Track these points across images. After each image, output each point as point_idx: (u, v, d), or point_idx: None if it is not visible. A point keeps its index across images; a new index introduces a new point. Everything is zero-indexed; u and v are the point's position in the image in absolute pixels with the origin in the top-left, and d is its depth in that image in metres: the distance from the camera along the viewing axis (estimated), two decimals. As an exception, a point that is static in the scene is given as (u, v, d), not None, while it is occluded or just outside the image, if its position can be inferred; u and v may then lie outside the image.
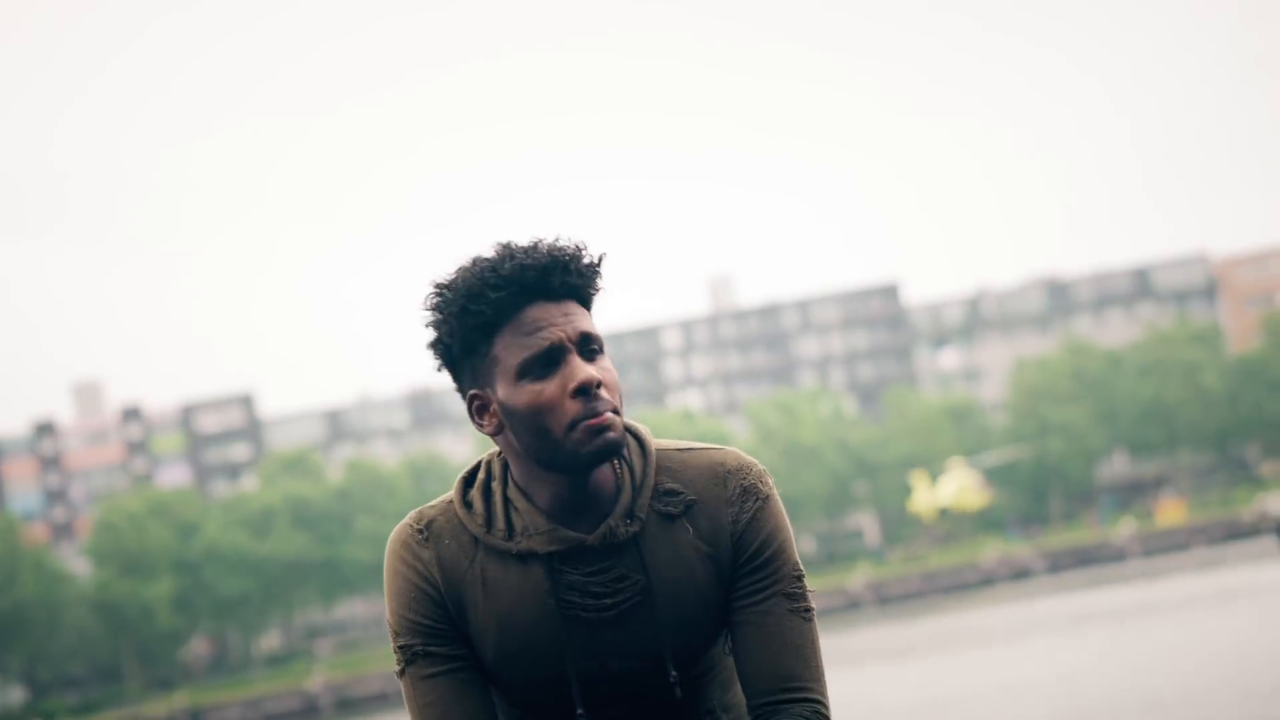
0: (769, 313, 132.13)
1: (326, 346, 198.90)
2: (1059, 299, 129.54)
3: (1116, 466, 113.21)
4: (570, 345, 2.89)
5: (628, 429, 3.07)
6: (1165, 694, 20.66)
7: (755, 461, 3.08)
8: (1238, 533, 78.65)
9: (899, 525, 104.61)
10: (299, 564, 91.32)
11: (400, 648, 3.02)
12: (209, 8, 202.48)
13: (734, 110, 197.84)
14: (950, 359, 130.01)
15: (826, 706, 3.03)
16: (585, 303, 2.95)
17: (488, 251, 2.94)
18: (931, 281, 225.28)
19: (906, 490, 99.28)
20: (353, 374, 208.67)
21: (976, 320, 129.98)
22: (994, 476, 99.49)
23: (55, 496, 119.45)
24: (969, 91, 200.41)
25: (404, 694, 3.04)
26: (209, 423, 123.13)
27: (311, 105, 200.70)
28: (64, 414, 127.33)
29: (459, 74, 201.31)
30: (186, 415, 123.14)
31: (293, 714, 71.77)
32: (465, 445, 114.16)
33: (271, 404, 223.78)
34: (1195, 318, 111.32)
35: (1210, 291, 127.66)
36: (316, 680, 74.90)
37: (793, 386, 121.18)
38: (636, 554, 3.00)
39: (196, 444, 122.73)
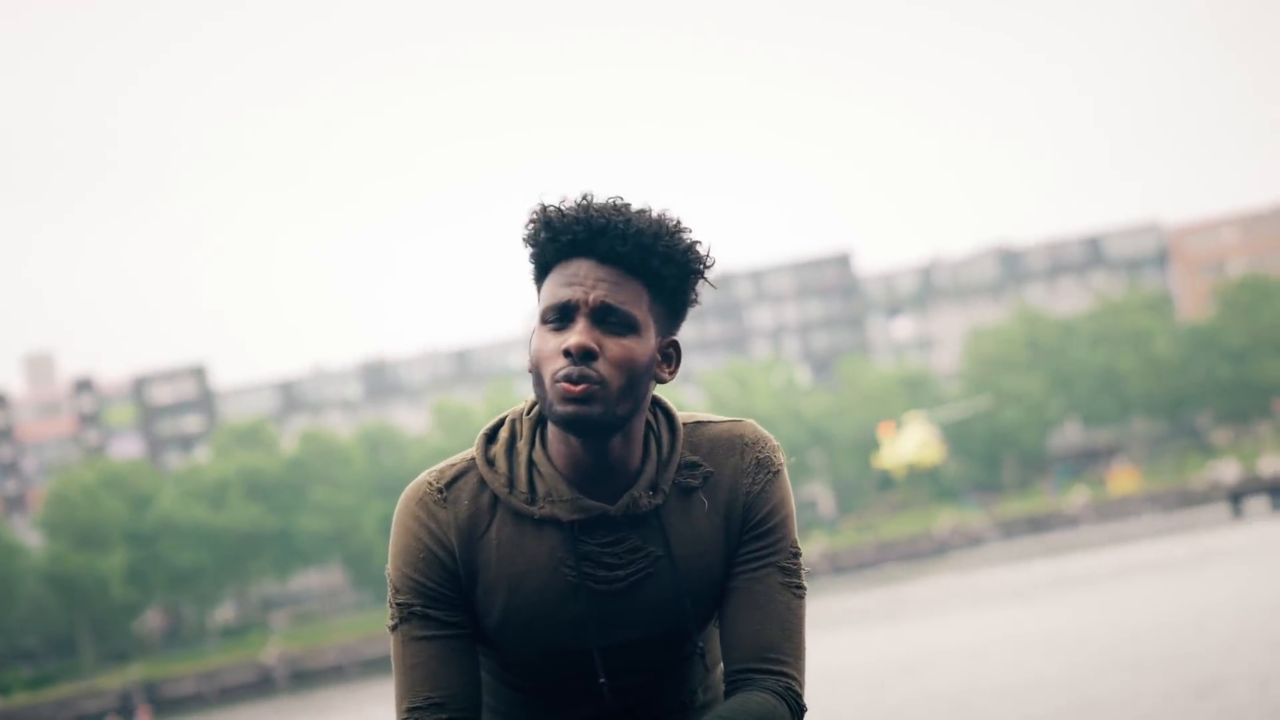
0: (722, 282, 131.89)
1: (279, 317, 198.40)
2: (1011, 268, 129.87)
3: (1069, 435, 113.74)
4: (585, 308, 2.88)
5: (657, 404, 3.07)
6: (1123, 659, 20.77)
7: (771, 436, 3.09)
8: (1190, 501, 79.16)
9: (853, 495, 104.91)
10: (253, 536, 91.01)
11: (398, 604, 3.00)
12: (265, 10, 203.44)
13: (691, 105, 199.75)
14: (904, 328, 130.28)
15: (800, 685, 3.02)
16: (646, 278, 2.92)
17: (574, 195, 2.94)
18: (884, 251, 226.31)
19: (860, 458, 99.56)
20: (306, 345, 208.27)
21: (929, 289, 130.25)
22: (948, 438, 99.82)
23: (7, 469, 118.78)
24: (913, 74, 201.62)
25: (392, 650, 3.02)
26: (162, 394, 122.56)
27: (329, 114, 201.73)
28: (15, 385, 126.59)
29: (448, 96, 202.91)
30: (139, 387, 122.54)
31: (248, 686, 71.60)
32: (420, 416, 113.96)
33: (224, 375, 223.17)
34: (1147, 286, 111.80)
35: (1162, 260, 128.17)
36: (272, 653, 74.73)
37: (746, 356, 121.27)
38: (657, 526, 2.99)
39: (149, 415, 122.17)
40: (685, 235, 2.93)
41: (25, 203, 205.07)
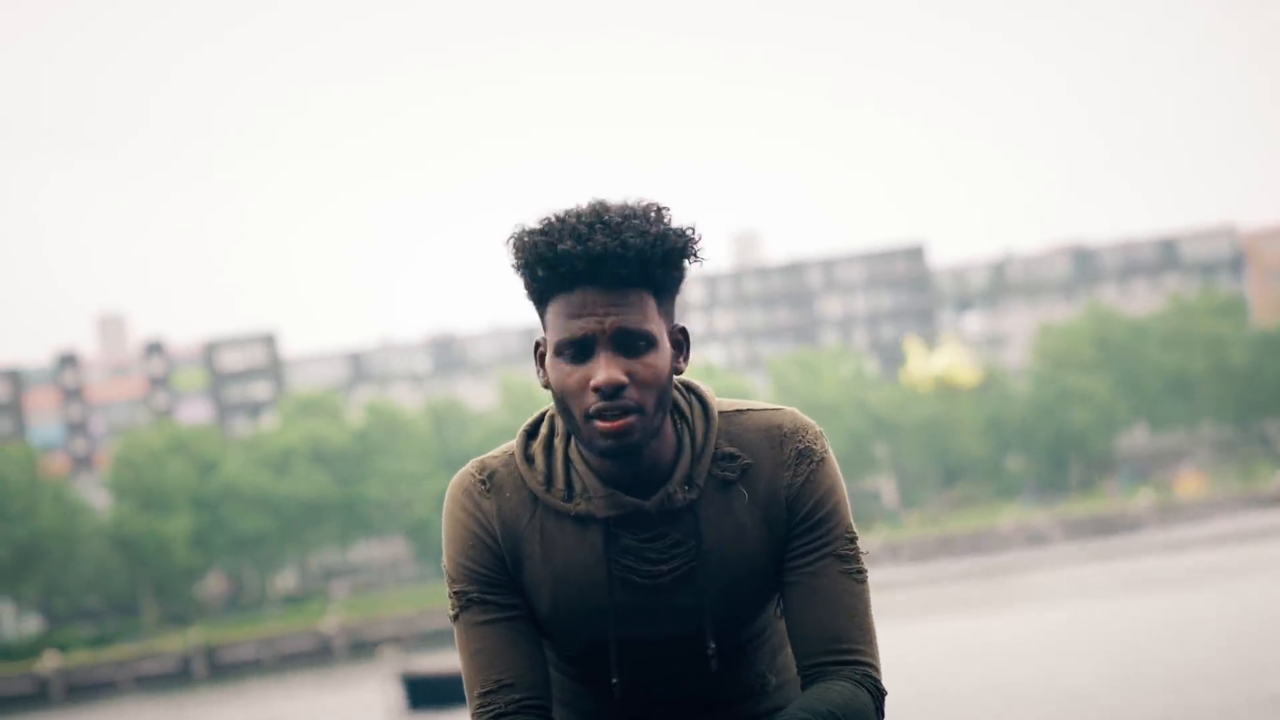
0: (793, 270, 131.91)
1: (350, 289, 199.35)
2: (1084, 266, 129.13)
3: (1137, 437, 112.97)
4: (604, 340, 2.83)
5: (690, 389, 3.04)
6: (1175, 667, 20.64)
7: (812, 423, 3.03)
8: (1257, 506, 78.55)
9: (917, 488, 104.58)
10: (317, 504, 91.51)
11: (456, 593, 3.00)
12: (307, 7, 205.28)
13: (746, 117, 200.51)
14: (974, 323, 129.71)
15: (877, 669, 2.99)
16: (650, 287, 2.86)
17: (565, 210, 2.86)
18: (957, 245, 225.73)
19: (926, 451, 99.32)
20: (376, 317, 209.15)
21: (1001, 285, 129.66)
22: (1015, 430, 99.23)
23: (76, 428, 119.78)
24: (994, 70, 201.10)
25: (456, 639, 3.03)
26: (231, 360, 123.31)
27: (379, 103, 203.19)
28: (87, 346, 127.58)
29: (510, 89, 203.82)
30: (209, 352, 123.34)
31: (306, 654, 72.03)
32: (486, 392, 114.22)
33: (294, 344, 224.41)
34: (1221, 290, 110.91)
35: (1237, 264, 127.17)
36: (331, 621, 75.14)
37: (815, 345, 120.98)
38: (693, 520, 2.97)
39: (218, 381, 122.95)
40: (675, 229, 2.86)
41: (97, 164, 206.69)
